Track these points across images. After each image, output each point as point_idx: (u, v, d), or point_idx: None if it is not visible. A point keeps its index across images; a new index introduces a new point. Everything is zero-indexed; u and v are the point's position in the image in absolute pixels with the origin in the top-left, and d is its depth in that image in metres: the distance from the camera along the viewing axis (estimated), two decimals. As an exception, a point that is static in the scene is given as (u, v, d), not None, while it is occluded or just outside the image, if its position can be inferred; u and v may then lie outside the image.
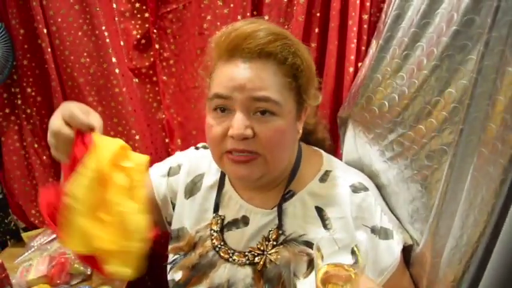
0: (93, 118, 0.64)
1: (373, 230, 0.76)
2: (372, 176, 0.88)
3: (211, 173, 0.87)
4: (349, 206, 0.75)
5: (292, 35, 0.73)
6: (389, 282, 0.76)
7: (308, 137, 0.88)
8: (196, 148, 0.95)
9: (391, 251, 0.77)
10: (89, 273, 1.11)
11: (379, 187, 0.87)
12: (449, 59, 0.67)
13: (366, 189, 0.78)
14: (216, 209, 0.84)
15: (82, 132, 0.63)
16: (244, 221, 0.82)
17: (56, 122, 0.63)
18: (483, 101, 0.58)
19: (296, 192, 0.79)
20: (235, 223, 0.82)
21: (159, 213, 0.92)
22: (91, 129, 0.63)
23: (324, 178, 0.79)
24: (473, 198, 0.60)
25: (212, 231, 0.83)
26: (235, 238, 0.82)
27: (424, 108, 0.73)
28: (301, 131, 0.77)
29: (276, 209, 0.78)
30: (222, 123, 0.69)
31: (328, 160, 0.83)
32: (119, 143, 0.64)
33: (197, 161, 0.90)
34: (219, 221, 0.83)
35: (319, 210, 0.77)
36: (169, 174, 0.90)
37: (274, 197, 0.79)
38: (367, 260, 0.73)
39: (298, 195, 0.79)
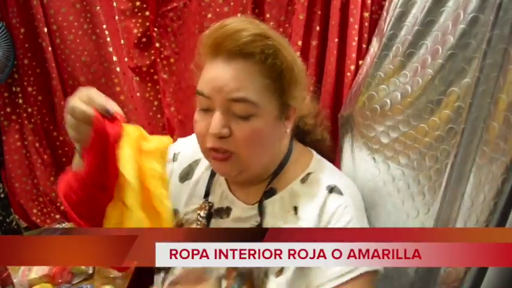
0: (112, 103, 0.66)
1: None
2: (371, 177, 0.88)
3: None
4: (321, 205, 0.75)
5: (279, 36, 0.73)
6: None
7: (304, 137, 0.88)
8: None
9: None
10: (90, 272, 1.12)
11: (378, 187, 0.87)
12: (454, 57, 0.67)
13: (340, 193, 0.76)
14: (207, 194, 0.85)
15: (104, 116, 0.63)
16: (227, 212, 0.83)
17: (73, 100, 0.64)
18: (485, 99, 0.57)
19: (278, 190, 0.79)
20: (219, 212, 0.83)
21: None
22: (110, 115, 0.64)
23: (304, 179, 0.79)
24: (476, 197, 0.60)
25: (199, 216, 0.84)
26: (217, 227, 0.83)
27: (427, 107, 0.73)
28: (289, 131, 0.77)
29: (256, 205, 0.79)
30: (205, 120, 0.73)
31: (316, 162, 0.82)
32: (138, 129, 0.68)
33: (197, 147, 0.91)
34: (206, 207, 0.84)
35: (296, 210, 0.77)
36: (174, 159, 0.92)
37: (256, 193, 0.80)
38: None
39: (279, 194, 0.79)
